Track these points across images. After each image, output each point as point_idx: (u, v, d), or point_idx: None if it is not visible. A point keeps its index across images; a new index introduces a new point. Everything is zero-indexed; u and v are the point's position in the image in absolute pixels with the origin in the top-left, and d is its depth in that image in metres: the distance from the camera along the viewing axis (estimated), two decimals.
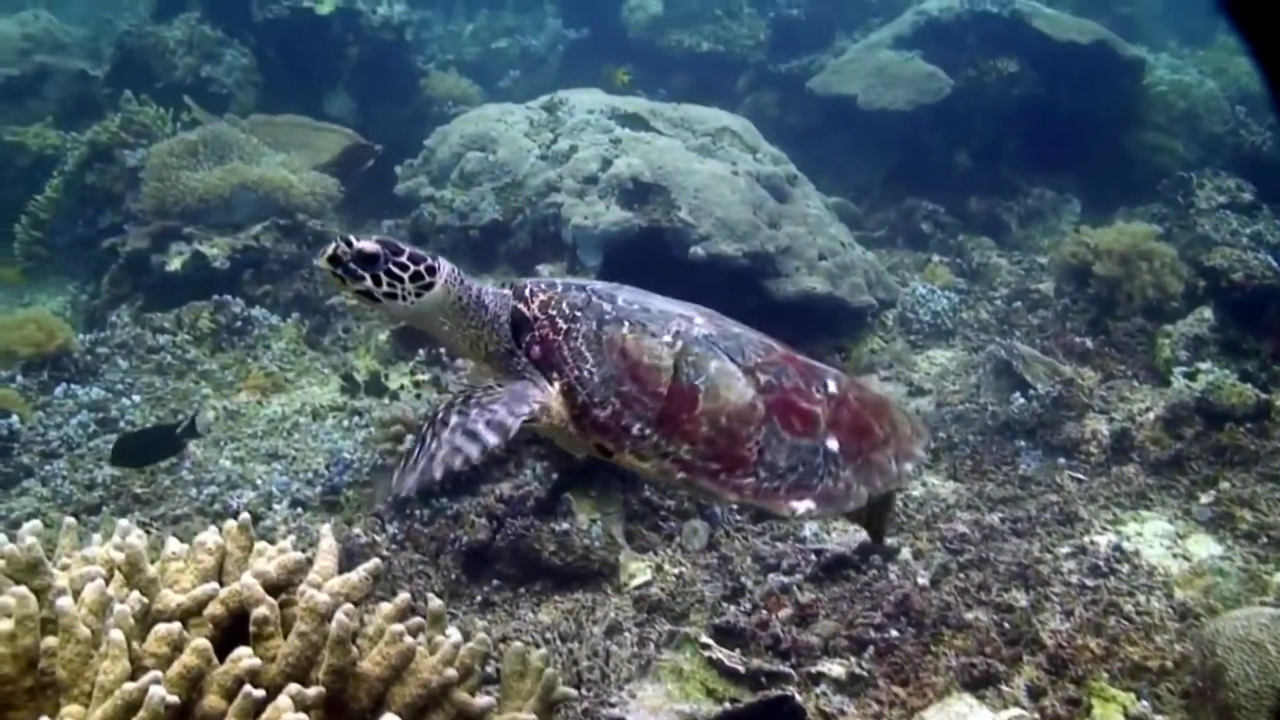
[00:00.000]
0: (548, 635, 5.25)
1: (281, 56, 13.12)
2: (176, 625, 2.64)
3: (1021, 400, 7.40)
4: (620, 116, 9.25)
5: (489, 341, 3.33)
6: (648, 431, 3.18)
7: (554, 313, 3.31)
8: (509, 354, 3.31)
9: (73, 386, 6.87)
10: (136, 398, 6.88)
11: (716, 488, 3.19)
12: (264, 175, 8.62)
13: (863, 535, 5.15)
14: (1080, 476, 6.83)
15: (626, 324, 3.34)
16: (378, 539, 5.89)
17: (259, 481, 6.29)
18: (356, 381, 7.33)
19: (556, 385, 3.21)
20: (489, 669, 3.80)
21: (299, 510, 6.13)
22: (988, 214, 11.99)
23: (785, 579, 5.71)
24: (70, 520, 3.21)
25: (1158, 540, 6.11)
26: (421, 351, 7.67)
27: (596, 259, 8.36)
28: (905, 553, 6.02)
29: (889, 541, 5.98)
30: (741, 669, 4.91)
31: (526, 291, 3.39)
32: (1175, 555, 5.96)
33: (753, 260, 8.45)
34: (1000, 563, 5.77)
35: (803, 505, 3.17)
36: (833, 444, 3.21)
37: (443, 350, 7.59)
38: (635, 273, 8.38)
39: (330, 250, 3.16)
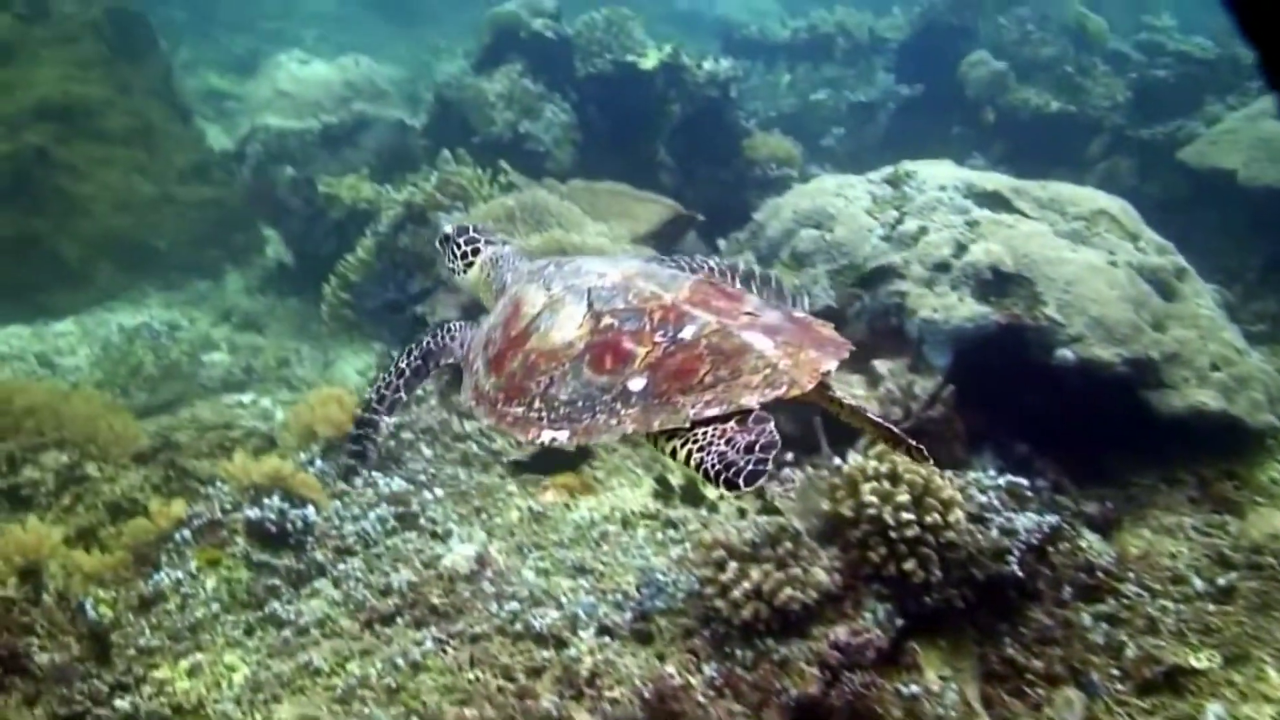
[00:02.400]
0: None
1: (601, 114, 13.04)
2: None
3: None
4: (978, 194, 8.47)
5: None
6: (479, 366, 3.79)
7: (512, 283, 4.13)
8: None
9: (373, 474, 6.66)
10: (439, 491, 6.61)
11: (485, 415, 3.63)
12: (583, 245, 8.31)
13: None
14: None
15: (536, 281, 3.85)
16: (692, 680, 5.32)
17: (564, 599, 5.85)
18: (671, 486, 6.83)
19: None
20: None
21: (606, 639, 5.64)
22: None
23: None
24: None
25: None
26: None
27: (945, 358, 7.61)
28: None
29: None
30: None
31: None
32: None
33: (1132, 368, 7.51)
34: None
35: (549, 434, 3.40)
36: (636, 383, 3.30)
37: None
38: (990, 376, 7.65)
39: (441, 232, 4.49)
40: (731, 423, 3.14)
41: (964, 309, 7.54)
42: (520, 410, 3.51)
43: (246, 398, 10.71)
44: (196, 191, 14.77)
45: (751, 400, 3.15)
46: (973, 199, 8.43)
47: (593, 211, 9.89)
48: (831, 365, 3.33)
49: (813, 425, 7.14)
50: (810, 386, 3.23)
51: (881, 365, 7.76)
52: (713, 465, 3.06)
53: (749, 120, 14.95)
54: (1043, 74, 16.97)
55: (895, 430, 3.80)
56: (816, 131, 17.38)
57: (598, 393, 3.35)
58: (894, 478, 5.85)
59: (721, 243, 9.36)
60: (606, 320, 3.48)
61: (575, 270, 3.81)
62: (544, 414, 3.44)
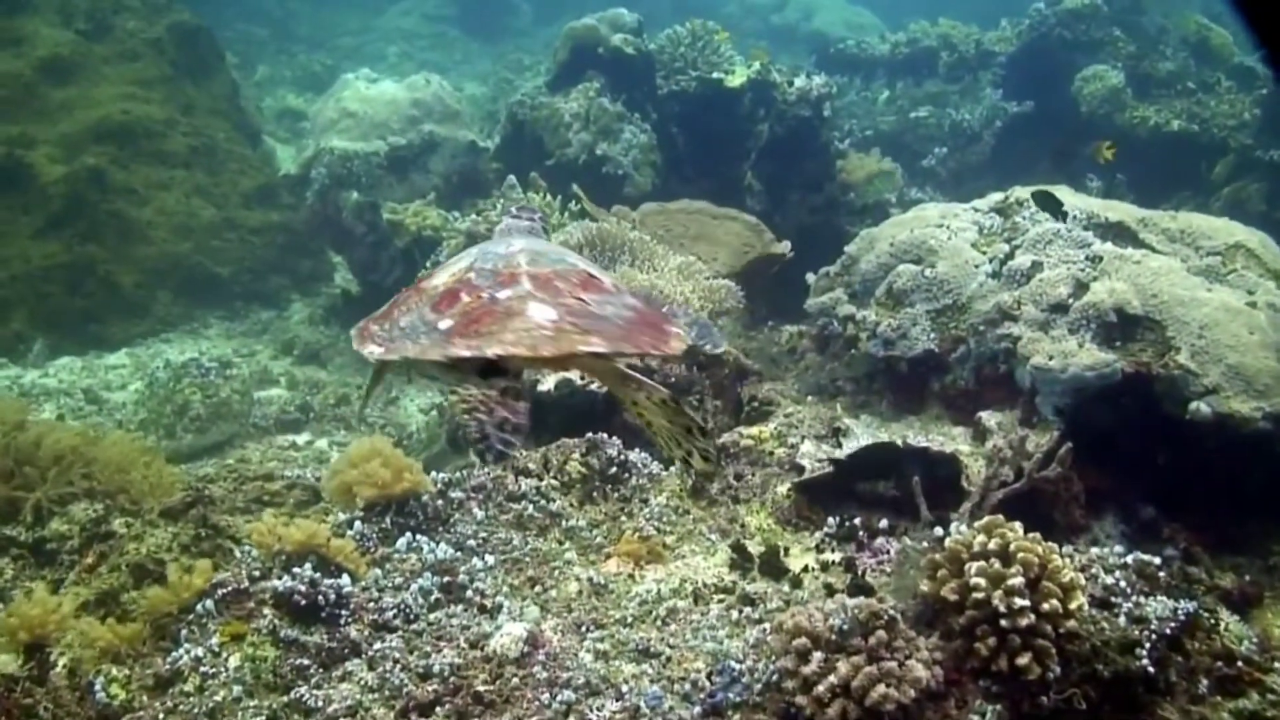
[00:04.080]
0: None
1: (684, 134, 12.56)
2: None
3: None
4: (1099, 225, 7.79)
5: None
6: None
7: None
8: None
9: (418, 538, 6.15)
10: (490, 559, 6.06)
11: (355, 333, 4.15)
12: (654, 286, 7.77)
13: None
14: None
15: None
16: None
17: (625, 688, 5.28)
18: (749, 554, 6.24)
19: None
20: None
21: None
22: None
23: None
24: None
25: None
26: (832, 520, 6.50)
27: (1061, 411, 6.95)
28: None
29: None
30: None
31: None
32: None
33: (1274, 424, 6.79)
34: None
35: (372, 349, 3.93)
36: (446, 323, 3.77)
37: (856, 522, 6.43)
38: (1113, 431, 6.98)
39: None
40: (495, 394, 3.67)
41: (1084, 356, 6.87)
42: (374, 328, 4.04)
43: (301, 438, 10.35)
44: (261, 216, 14.57)
45: (493, 351, 3.58)
46: (1094, 230, 7.76)
47: (668, 235, 9.37)
48: (596, 347, 3.69)
49: (911, 486, 6.53)
50: (549, 354, 3.62)
51: (989, 418, 7.14)
52: (473, 432, 3.60)
53: (844, 140, 14.39)
54: (1162, 90, 16.18)
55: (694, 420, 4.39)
56: (917, 151, 16.75)
57: (422, 326, 3.82)
58: (1005, 556, 5.23)
59: (810, 277, 8.75)
60: (469, 274, 3.98)
61: (488, 252, 4.27)
62: (381, 334, 3.96)
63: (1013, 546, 5.25)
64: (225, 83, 16.51)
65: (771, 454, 7.34)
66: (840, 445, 7.20)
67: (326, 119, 13.52)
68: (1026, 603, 5.03)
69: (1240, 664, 5.67)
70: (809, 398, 8.15)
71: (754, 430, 7.49)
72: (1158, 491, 7.05)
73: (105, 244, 13.10)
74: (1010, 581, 5.09)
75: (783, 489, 7.05)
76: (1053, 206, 7.74)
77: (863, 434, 7.25)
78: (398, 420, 10.67)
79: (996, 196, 8.45)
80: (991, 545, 5.30)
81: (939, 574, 5.35)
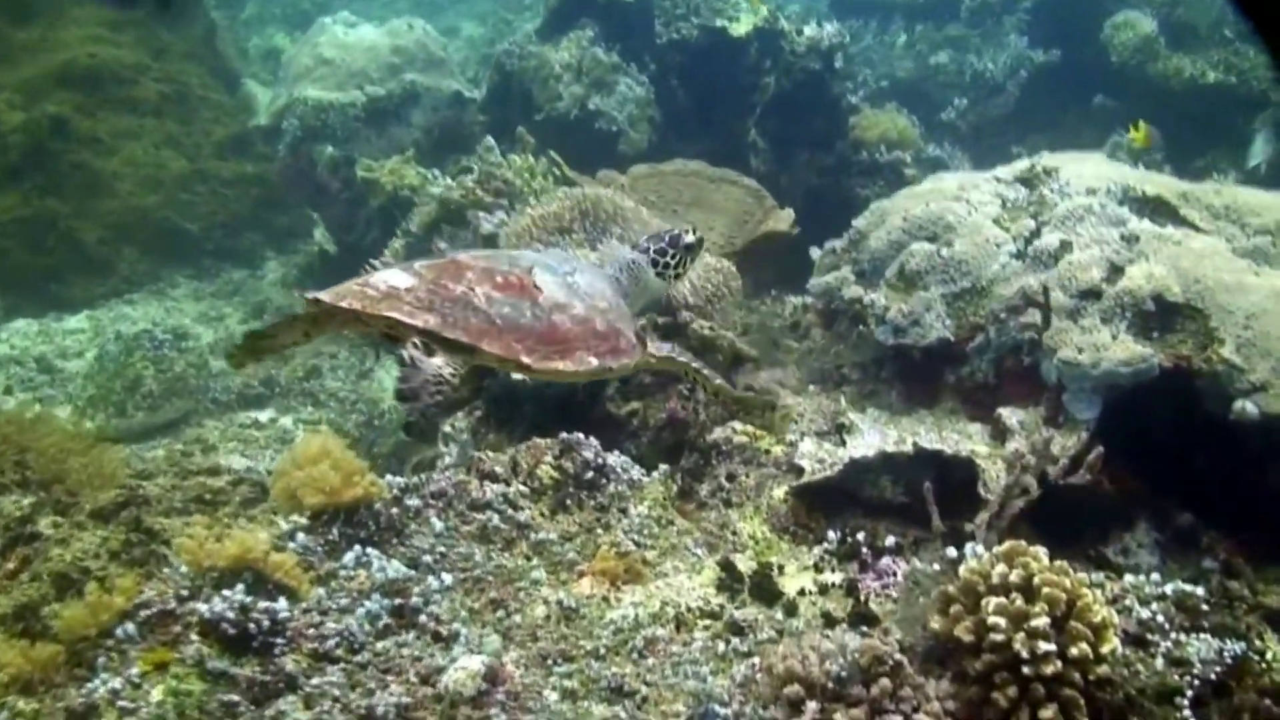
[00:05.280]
0: None
1: (684, 87, 11.85)
2: None
3: None
4: (1136, 200, 7.15)
5: None
6: None
7: None
8: None
9: (369, 552, 5.56)
10: (448, 577, 5.47)
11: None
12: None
13: None
14: None
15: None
16: None
17: None
18: (739, 573, 5.66)
19: None
20: None
21: None
22: None
23: None
24: None
25: None
26: (833, 534, 5.92)
27: (1091, 410, 6.39)
28: None
29: None
30: None
31: None
32: None
33: None
34: None
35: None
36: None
37: (860, 537, 5.85)
38: (1148, 430, 6.39)
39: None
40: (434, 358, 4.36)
41: (1118, 349, 6.26)
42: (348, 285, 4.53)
43: (264, 415, 9.79)
44: (236, 167, 13.98)
45: (311, 295, 4.38)
46: (1130, 206, 7.11)
47: (660, 201, 8.74)
48: (401, 317, 4.32)
49: (922, 492, 5.95)
50: (346, 306, 4.32)
51: (1010, 416, 6.55)
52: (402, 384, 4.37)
53: (857, 93, 13.67)
54: (1198, 40, 15.41)
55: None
56: (936, 102, 16.04)
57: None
58: (1028, 590, 4.67)
59: (815, 252, 8.11)
60: (423, 270, 4.61)
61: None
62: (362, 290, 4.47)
63: (1037, 579, 4.68)
64: (202, 23, 15.82)
65: (768, 452, 6.75)
66: (844, 443, 6.62)
67: (301, 66, 12.80)
68: (1052, 647, 4.48)
69: None
70: (811, 386, 7.54)
71: (749, 425, 6.89)
72: (1196, 497, 6.49)
73: (67, 197, 12.55)
74: (1034, 622, 4.53)
75: (779, 492, 6.47)
76: None
77: (869, 430, 6.67)
78: (370, 396, 10.07)
79: (1022, 164, 7.79)
80: (1013, 577, 4.73)
81: (952, 609, 4.79)
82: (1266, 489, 6.43)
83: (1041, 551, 4.88)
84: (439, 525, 5.86)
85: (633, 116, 11.33)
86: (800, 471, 6.43)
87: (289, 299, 12.13)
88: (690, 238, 5.38)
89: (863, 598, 5.51)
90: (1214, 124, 14.12)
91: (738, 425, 6.92)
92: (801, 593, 5.63)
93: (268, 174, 13.70)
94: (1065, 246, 6.84)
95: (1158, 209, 7.14)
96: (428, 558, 5.71)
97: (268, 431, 9.33)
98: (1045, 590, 4.63)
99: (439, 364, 4.35)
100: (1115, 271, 6.62)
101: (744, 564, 5.86)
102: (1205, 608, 5.21)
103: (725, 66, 11.76)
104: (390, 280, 4.46)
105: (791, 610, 5.49)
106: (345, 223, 11.79)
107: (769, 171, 11.38)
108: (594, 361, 4.64)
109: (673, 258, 5.37)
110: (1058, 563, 4.81)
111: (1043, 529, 6.18)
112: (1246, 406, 6.17)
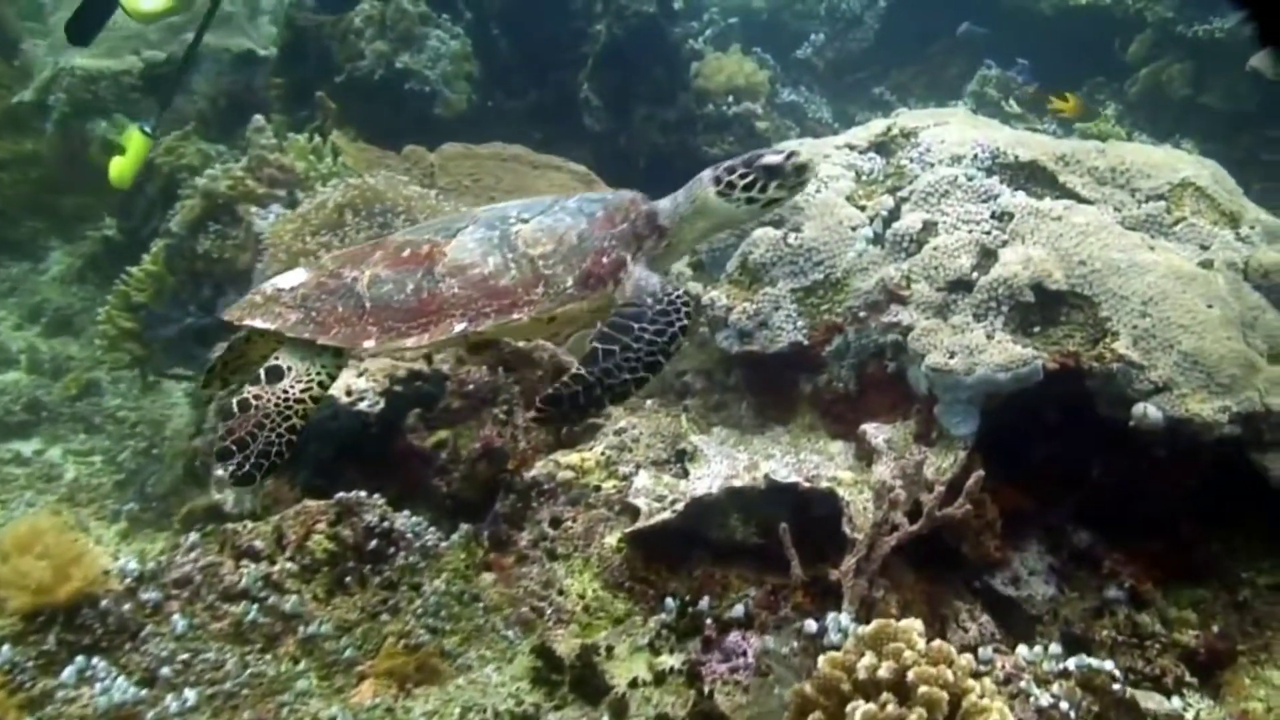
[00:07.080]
0: None
1: (508, 38, 10.78)
2: None
3: None
4: (1008, 167, 6.31)
5: None
6: None
7: None
8: None
9: (94, 663, 4.55)
10: (191, 695, 4.48)
11: None
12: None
13: None
14: None
15: None
16: None
17: None
18: (559, 660, 4.76)
19: None
20: None
21: None
22: None
23: None
24: None
25: None
26: (671, 602, 5.05)
27: (968, 424, 5.58)
28: None
29: None
30: None
31: None
32: None
33: (1244, 426, 5.49)
34: None
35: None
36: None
37: (704, 604, 4.99)
38: (1035, 439, 5.63)
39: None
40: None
41: (995, 351, 5.43)
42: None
43: (29, 447, 8.59)
44: (12, 145, 12.53)
45: (226, 317, 4.30)
46: (1001, 174, 6.27)
47: (476, 186, 7.75)
48: (256, 323, 4.12)
49: (778, 533, 5.09)
50: (230, 318, 4.20)
51: (876, 433, 5.71)
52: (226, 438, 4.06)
53: (702, 34, 12.73)
54: None
55: None
56: (791, 39, 15.18)
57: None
58: (901, 689, 3.85)
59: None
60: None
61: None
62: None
63: (912, 675, 3.87)
64: None
65: (598, 489, 5.81)
66: (686, 473, 5.74)
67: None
68: None
69: None
70: (649, 401, 6.61)
71: (575, 457, 5.94)
72: (1093, 512, 5.81)
73: None
74: None
75: (612, 539, 5.56)
76: None
77: (715, 456, 5.79)
78: (154, 416, 8.89)
79: (877, 126, 6.88)
80: (883, 672, 3.92)
81: (811, 717, 3.95)
82: (1173, 499, 5.75)
83: (917, 630, 4.08)
84: (181, 625, 4.83)
85: (448, 74, 10.21)
86: (636, 513, 5.53)
87: (69, 298, 10.90)
88: (775, 159, 4.30)
89: (706, 689, 4.65)
90: (1089, 51, 13.57)
91: (562, 457, 5.99)
92: (634, 684, 4.74)
93: None
94: (929, 228, 5.98)
95: (1033, 176, 6.30)
96: (166, 669, 4.68)
97: (29, 469, 8.17)
98: (922, 690, 3.82)
99: (284, 387, 4.06)
100: (987, 256, 5.80)
101: (566, 646, 4.96)
102: (1116, 686, 4.45)
103: (551, 13, 10.74)
104: (280, 282, 4.24)
105: (620, 712, 4.59)
106: (125, 209, 10.57)
107: (606, 131, 10.43)
108: (458, 328, 4.11)
109: (742, 177, 4.32)
110: (936, 644, 4.01)
111: (921, 559, 5.46)
112: (1148, 411, 5.42)
